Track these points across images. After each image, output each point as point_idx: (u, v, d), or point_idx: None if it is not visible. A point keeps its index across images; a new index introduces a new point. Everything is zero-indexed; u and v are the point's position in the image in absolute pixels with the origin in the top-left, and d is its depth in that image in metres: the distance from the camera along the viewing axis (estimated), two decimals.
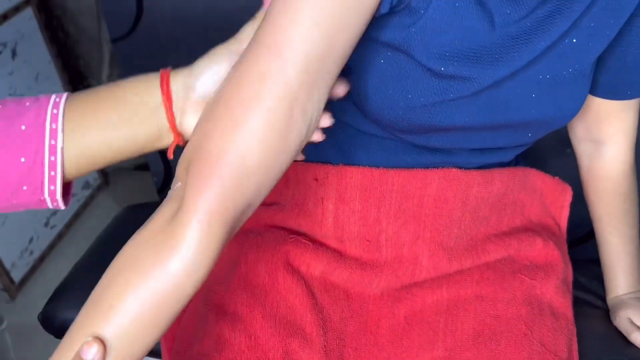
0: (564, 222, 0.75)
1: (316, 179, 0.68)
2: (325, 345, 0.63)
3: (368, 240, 0.66)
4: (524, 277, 0.66)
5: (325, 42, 0.46)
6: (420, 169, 0.64)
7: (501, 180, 0.66)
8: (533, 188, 0.72)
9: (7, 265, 1.45)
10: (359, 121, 0.64)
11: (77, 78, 1.62)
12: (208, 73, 0.51)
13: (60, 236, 1.62)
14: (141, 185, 1.78)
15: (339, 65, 0.48)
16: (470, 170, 0.65)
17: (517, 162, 0.73)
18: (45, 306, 0.84)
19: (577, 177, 0.78)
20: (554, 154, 1.02)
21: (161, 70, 0.52)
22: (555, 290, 0.66)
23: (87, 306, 0.46)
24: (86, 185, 1.71)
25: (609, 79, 0.64)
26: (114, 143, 0.51)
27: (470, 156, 0.66)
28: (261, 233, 0.71)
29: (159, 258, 0.45)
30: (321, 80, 0.47)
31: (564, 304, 0.67)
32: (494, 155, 0.67)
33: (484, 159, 0.66)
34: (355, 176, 0.65)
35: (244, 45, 0.49)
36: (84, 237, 1.63)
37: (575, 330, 0.67)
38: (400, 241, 0.65)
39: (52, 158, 0.49)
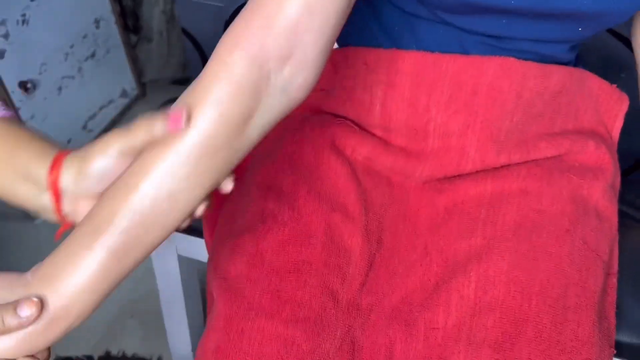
0: (616, 132, 0.73)
1: (366, 64, 0.66)
2: (366, 225, 0.63)
3: (415, 129, 0.65)
4: (572, 176, 0.64)
5: None
6: (476, 56, 0.62)
7: (558, 77, 0.64)
8: (589, 92, 0.70)
9: None
10: (407, 2, 0.62)
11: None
12: (99, 165, 0.46)
13: None
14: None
15: None
16: (528, 62, 0.63)
17: (576, 63, 0.70)
18: None
19: (632, 105, 0.75)
20: (608, 78, 0.99)
21: (57, 153, 0.48)
22: (602, 194, 0.65)
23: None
24: (123, 93, 1.72)
25: None
26: None
27: (522, 44, 0.63)
28: (307, 117, 0.70)
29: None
30: None
31: (610, 208, 0.66)
32: (548, 47, 0.64)
33: (539, 49, 0.63)
34: (406, 61, 0.64)
35: (138, 138, 0.45)
36: None
37: (617, 236, 0.66)
38: (449, 131, 0.64)
39: None
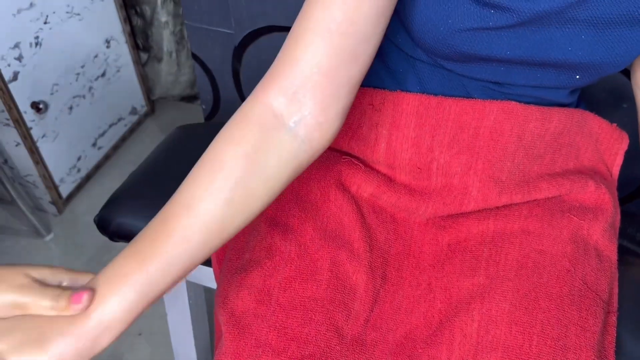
0: (616, 169, 0.74)
1: (372, 105, 0.68)
2: (370, 262, 0.65)
3: (419, 168, 0.67)
4: (572, 216, 0.66)
5: None
6: (478, 100, 0.64)
7: (559, 119, 0.66)
8: (589, 132, 0.71)
9: (56, 180, 1.50)
10: (410, 46, 0.65)
11: (130, 3, 1.64)
12: None
13: (106, 157, 1.67)
14: (185, 115, 1.82)
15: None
16: (529, 105, 0.64)
17: (577, 104, 0.72)
18: (101, 210, 0.88)
19: (633, 134, 0.76)
20: (610, 109, 1.00)
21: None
22: (602, 233, 0.66)
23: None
24: (133, 110, 1.75)
25: None
26: None
27: (522, 90, 0.65)
28: None
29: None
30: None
31: (610, 248, 0.67)
32: (547, 92, 0.66)
33: (539, 94, 0.65)
34: (411, 103, 0.66)
35: (30, 298, 0.48)
36: (129, 161, 1.68)
37: (617, 274, 0.68)
38: (452, 171, 0.66)
39: None
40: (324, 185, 0.68)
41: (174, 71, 1.75)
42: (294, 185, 0.70)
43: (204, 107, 1.41)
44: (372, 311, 0.65)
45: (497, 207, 0.67)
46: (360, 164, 0.69)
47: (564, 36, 0.56)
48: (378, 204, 0.69)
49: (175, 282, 0.52)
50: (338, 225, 0.67)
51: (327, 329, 0.61)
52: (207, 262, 0.84)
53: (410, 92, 0.66)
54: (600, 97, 0.99)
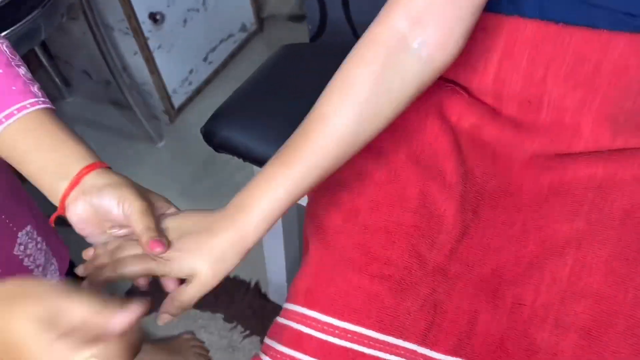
0: None
1: (484, 29, 0.64)
2: (462, 195, 0.64)
3: (529, 101, 0.63)
4: None
5: None
6: (604, 30, 0.58)
7: None
8: None
9: (169, 90, 1.58)
10: None
11: None
12: (105, 199, 0.53)
13: (216, 72, 1.72)
14: (292, 35, 1.81)
15: None
16: None
17: None
18: (207, 123, 0.92)
19: None
20: None
21: (89, 163, 0.54)
22: None
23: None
24: (243, 27, 1.77)
25: None
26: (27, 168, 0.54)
27: None
28: None
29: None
30: None
31: None
32: None
33: None
34: (528, 29, 0.61)
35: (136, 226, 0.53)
36: (236, 77, 1.71)
37: None
38: (564, 106, 0.61)
39: None
40: (422, 112, 0.66)
41: None
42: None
43: (310, 27, 1.39)
44: (458, 244, 0.64)
45: (610, 151, 0.62)
46: (464, 92, 0.66)
47: None
48: (479, 136, 0.66)
49: (312, 186, 0.57)
50: (432, 154, 0.65)
51: (410, 255, 0.61)
52: None
53: (529, 17, 0.62)
54: None
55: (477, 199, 0.65)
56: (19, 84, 0.55)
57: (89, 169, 0.53)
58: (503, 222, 0.64)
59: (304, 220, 0.72)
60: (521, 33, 0.61)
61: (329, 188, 0.68)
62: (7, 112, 0.53)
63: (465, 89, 0.67)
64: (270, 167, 0.56)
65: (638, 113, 0.61)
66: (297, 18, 1.83)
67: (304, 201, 0.96)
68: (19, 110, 0.53)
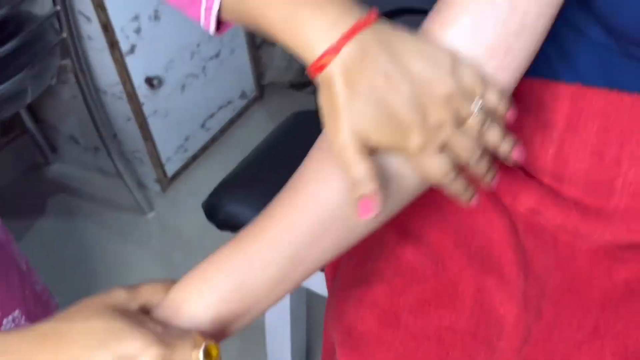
0: None
1: (540, 99, 0.56)
2: (524, 292, 0.53)
3: (598, 183, 0.54)
4: None
5: None
6: None
7: None
8: None
9: (163, 158, 1.49)
10: (593, 28, 0.51)
11: None
12: None
13: (213, 140, 1.65)
14: (294, 103, 1.76)
15: None
16: None
17: None
18: (210, 196, 0.84)
19: None
20: None
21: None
22: None
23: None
24: (243, 94, 1.71)
25: None
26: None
27: None
28: None
29: None
30: None
31: None
32: None
33: None
34: (595, 101, 0.52)
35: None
36: (234, 145, 1.65)
37: None
38: None
39: None
40: None
41: (287, 56, 1.69)
42: (433, 187, 0.59)
43: (315, 97, 1.33)
44: (520, 352, 0.53)
45: None
46: (520, 170, 0.57)
47: None
48: (537, 222, 0.56)
49: (276, 284, 0.43)
50: (486, 242, 0.55)
51: None
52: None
53: (593, 85, 0.53)
54: None
55: (539, 297, 0.54)
56: None
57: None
58: (570, 324, 0.54)
59: (325, 315, 0.61)
60: (588, 104, 0.53)
61: (358, 279, 0.58)
62: None
63: (519, 165, 0.58)
64: (222, 248, 0.45)
65: None
66: (299, 86, 1.78)
67: (314, 285, 0.85)
68: None
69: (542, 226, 0.56)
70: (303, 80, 1.76)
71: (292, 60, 1.71)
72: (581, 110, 0.53)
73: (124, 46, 1.25)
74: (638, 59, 0.51)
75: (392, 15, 1.03)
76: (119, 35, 1.23)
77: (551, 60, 0.56)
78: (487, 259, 0.54)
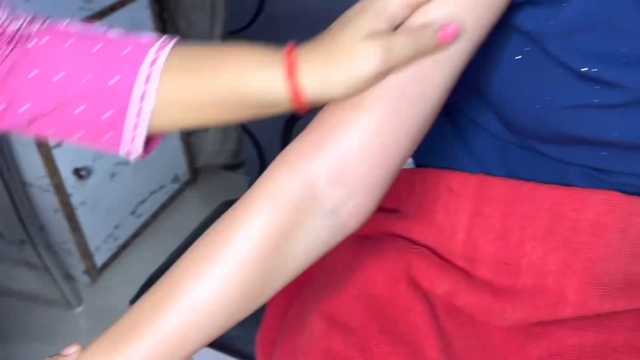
0: None
1: (450, 189, 0.60)
2: None
3: (506, 264, 0.58)
4: None
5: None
6: (577, 188, 0.56)
7: None
8: None
9: (92, 248, 1.45)
10: (495, 125, 0.57)
11: None
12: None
13: (145, 226, 1.62)
14: (228, 184, 1.78)
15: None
16: (634, 197, 0.55)
17: None
18: (139, 292, 0.81)
19: None
20: None
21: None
22: None
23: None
24: (175, 178, 1.71)
25: None
26: (217, 91, 0.46)
27: (625, 178, 0.57)
28: (380, 240, 0.64)
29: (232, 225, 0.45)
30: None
31: None
32: None
33: None
34: (497, 189, 0.57)
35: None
36: (167, 230, 1.62)
37: None
38: (546, 269, 0.57)
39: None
40: (392, 279, 0.60)
41: (219, 140, 1.72)
42: (357, 276, 0.62)
43: (249, 179, 1.35)
44: None
45: (599, 315, 0.57)
46: (434, 256, 0.61)
47: None
48: (454, 304, 0.60)
49: None
50: (408, 328, 0.57)
51: None
52: (229, 351, 0.75)
53: (495, 175, 0.58)
54: None
55: None
56: (129, 41, 0.46)
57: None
58: None
59: None
60: (491, 191, 0.58)
61: None
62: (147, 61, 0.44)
63: (434, 251, 0.62)
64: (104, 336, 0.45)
65: (620, 272, 0.57)
66: (232, 167, 1.80)
67: None
68: (157, 52, 0.45)
69: (460, 307, 0.60)
70: (236, 162, 1.78)
71: (225, 143, 1.74)
72: (485, 198, 0.58)
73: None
74: (533, 150, 0.56)
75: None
76: None
77: (457, 153, 0.62)
78: (411, 344, 0.56)
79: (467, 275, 0.60)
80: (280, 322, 0.67)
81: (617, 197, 0.55)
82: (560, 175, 0.57)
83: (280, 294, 0.68)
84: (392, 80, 0.44)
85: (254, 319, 0.73)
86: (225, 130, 1.70)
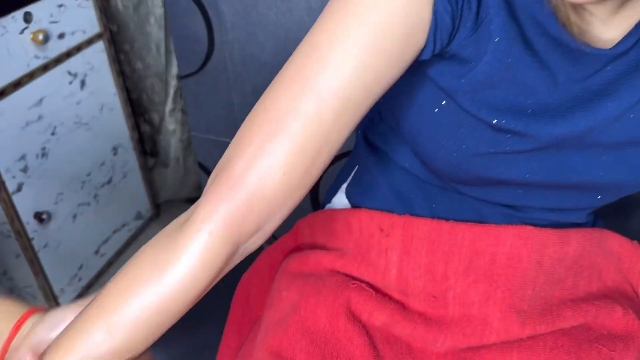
0: None
1: (381, 229, 0.66)
2: None
3: (434, 297, 0.63)
4: (601, 347, 0.61)
5: (364, 89, 0.46)
6: (492, 225, 0.62)
7: (577, 242, 0.63)
8: (610, 251, 0.68)
9: (56, 290, 1.46)
10: (419, 169, 0.63)
11: (139, 111, 1.67)
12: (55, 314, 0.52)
13: (109, 264, 1.64)
14: None
15: (369, 108, 0.48)
16: (546, 229, 0.62)
17: (594, 222, 0.69)
18: None
19: None
20: (636, 214, 0.97)
21: (28, 310, 0.54)
22: None
23: (94, 303, 0.48)
24: (138, 215, 1.73)
25: None
26: None
27: (539, 214, 0.63)
28: (322, 277, 0.68)
29: (158, 267, 0.45)
30: (352, 122, 0.47)
31: None
32: (565, 215, 0.64)
33: (556, 218, 0.63)
34: (422, 228, 0.63)
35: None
36: None
37: None
38: (470, 300, 0.62)
39: None
40: (333, 315, 0.64)
41: (180, 176, 1.75)
42: (300, 313, 0.66)
43: None
44: None
45: (521, 339, 0.62)
46: (371, 290, 0.66)
47: (584, 159, 0.54)
48: (392, 334, 0.64)
49: None
50: (349, 359, 0.62)
51: None
52: None
53: (420, 215, 0.64)
54: (626, 202, 0.96)
55: None
56: None
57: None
58: None
59: None
60: (417, 231, 0.63)
61: None
62: None
63: (371, 285, 0.66)
64: None
65: (539, 298, 0.63)
66: (194, 200, 1.82)
67: None
68: None
69: (397, 337, 0.64)
70: (199, 195, 1.81)
71: (186, 179, 1.77)
72: (412, 237, 0.63)
73: (11, 186, 1.26)
74: (455, 191, 0.62)
75: None
76: (5, 176, 1.24)
77: (387, 195, 0.67)
78: None
79: (402, 307, 0.65)
80: (234, 357, 0.70)
81: (529, 230, 0.61)
82: (477, 214, 0.62)
83: (232, 334, 0.72)
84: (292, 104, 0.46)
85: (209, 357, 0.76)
86: (185, 167, 1.74)
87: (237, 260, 0.50)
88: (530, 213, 0.62)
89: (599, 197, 0.59)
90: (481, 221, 0.62)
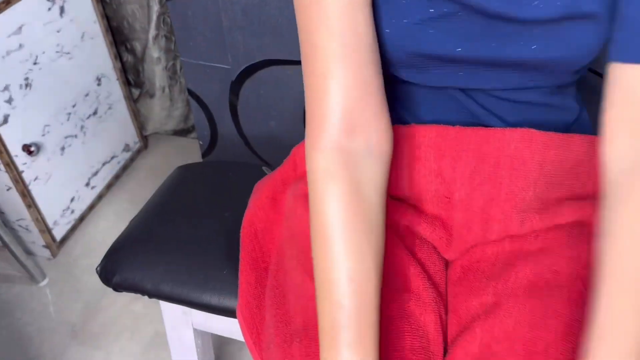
0: None
1: (397, 141, 0.66)
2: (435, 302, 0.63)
3: (447, 198, 0.65)
4: (594, 243, 0.63)
5: None
6: (497, 128, 0.62)
7: (579, 147, 0.64)
8: None
9: (50, 223, 1.46)
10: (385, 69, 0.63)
11: (121, 40, 1.62)
12: None
13: (100, 197, 1.63)
14: (179, 149, 1.79)
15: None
16: (550, 132, 0.62)
17: (580, 112, 0.69)
18: (103, 260, 0.84)
19: None
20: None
21: None
22: None
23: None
24: (126, 147, 1.71)
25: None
26: None
27: (493, 94, 0.63)
28: None
29: None
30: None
31: None
32: (520, 94, 0.63)
33: (512, 96, 0.63)
34: (428, 135, 0.64)
35: None
36: (123, 199, 1.64)
37: None
38: (473, 203, 0.64)
39: None
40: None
41: (167, 106, 1.72)
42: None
43: (201, 142, 1.38)
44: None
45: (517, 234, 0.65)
46: (391, 198, 0.67)
47: (516, 31, 0.55)
48: (419, 234, 0.67)
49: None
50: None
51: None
52: (215, 310, 0.80)
53: (423, 120, 0.64)
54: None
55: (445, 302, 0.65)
56: None
57: None
58: (433, 310, 0.63)
59: None
60: (424, 138, 0.63)
61: (288, 337, 0.61)
62: None
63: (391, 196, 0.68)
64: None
65: (538, 199, 0.64)
66: (182, 132, 1.81)
67: (220, 330, 0.89)
68: None
69: (423, 237, 0.67)
70: (186, 126, 1.80)
71: (172, 109, 1.75)
72: (420, 144, 0.64)
73: None
74: (404, 81, 0.63)
75: (259, 67, 1.12)
76: None
77: (398, 113, 0.67)
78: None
79: (419, 211, 0.67)
80: (256, 290, 0.70)
81: (532, 133, 0.62)
82: (431, 102, 0.63)
83: (249, 269, 0.72)
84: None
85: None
86: (171, 97, 1.71)
87: (362, 157, 0.56)
88: (481, 97, 0.63)
89: (542, 75, 0.60)
90: (432, 110, 0.63)
